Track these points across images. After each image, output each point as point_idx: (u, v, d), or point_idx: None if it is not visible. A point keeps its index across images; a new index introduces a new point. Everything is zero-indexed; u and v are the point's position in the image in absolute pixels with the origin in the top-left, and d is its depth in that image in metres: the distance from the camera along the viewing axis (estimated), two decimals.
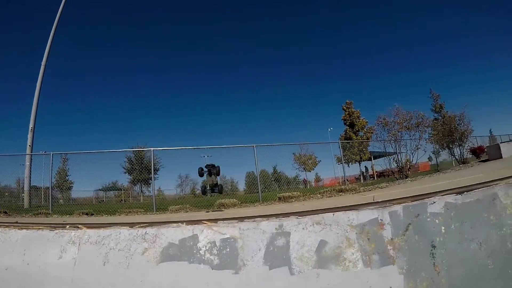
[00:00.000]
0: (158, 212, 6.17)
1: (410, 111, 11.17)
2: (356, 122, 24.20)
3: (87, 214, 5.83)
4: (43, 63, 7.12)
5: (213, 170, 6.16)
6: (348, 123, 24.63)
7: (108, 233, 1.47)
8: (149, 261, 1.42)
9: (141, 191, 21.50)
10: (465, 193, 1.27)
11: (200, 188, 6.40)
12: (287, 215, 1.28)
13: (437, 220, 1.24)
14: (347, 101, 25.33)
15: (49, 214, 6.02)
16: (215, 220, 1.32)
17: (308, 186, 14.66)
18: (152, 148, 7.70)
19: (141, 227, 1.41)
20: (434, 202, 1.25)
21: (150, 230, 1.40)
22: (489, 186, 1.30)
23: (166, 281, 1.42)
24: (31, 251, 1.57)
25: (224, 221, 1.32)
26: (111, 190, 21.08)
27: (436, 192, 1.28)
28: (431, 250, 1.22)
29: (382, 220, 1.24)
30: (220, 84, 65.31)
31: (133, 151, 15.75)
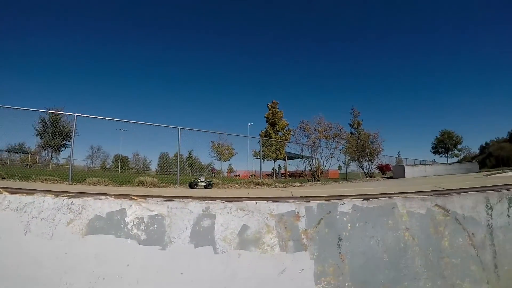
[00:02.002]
0: (75, 183, 6.20)
1: (331, 122, 12.95)
2: (278, 122, 26.56)
3: None
4: None
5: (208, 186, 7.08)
6: (270, 122, 26.85)
7: (30, 200, 1.51)
8: (74, 232, 1.50)
9: (51, 157, 20.62)
10: (370, 199, 1.59)
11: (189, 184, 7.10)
12: (213, 198, 1.48)
13: (345, 218, 1.55)
14: (273, 101, 27.47)
15: None
16: (144, 197, 1.46)
17: (221, 176, 15.83)
18: (76, 114, 7.48)
19: (67, 196, 1.48)
20: (344, 203, 1.56)
21: (77, 201, 1.48)
22: (391, 196, 1.64)
23: (92, 253, 1.52)
24: None
25: (153, 198, 1.47)
26: (17, 152, 19.74)
27: (346, 195, 1.60)
28: (338, 242, 1.54)
29: (298, 212, 1.51)
30: (148, 61, 66.42)
31: (50, 113, 14.80)
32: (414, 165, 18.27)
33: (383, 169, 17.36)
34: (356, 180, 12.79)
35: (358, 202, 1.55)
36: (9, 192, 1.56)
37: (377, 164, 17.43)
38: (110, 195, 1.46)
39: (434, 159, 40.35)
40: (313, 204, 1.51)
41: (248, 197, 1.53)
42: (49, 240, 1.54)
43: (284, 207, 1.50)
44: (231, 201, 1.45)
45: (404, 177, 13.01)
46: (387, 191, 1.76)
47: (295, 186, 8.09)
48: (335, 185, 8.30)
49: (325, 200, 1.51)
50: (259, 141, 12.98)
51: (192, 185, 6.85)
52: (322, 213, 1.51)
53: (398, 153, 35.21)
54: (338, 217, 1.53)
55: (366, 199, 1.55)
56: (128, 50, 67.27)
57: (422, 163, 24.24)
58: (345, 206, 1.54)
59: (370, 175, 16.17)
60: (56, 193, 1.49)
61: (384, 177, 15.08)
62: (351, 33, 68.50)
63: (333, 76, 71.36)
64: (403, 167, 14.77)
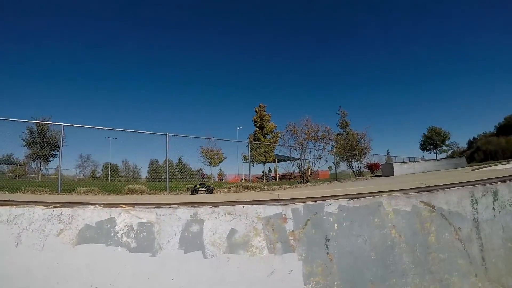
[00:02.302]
0: (64, 193, 6.26)
1: (318, 123, 13.06)
2: (266, 125, 26.93)
3: None
4: None
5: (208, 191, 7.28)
6: (258, 125, 27.20)
7: (21, 212, 1.53)
8: (65, 243, 1.53)
9: (40, 168, 20.74)
10: (356, 199, 1.63)
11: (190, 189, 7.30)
12: (201, 204, 1.52)
13: (331, 218, 1.58)
14: (261, 104, 27.93)
15: None
16: (133, 204, 1.49)
17: (212, 181, 16.04)
18: (63, 124, 7.43)
19: (57, 207, 1.50)
20: (330, 204, 1.59)
21: (66, 211, 1.50)
22: (376, 195, 1.68)
23: (83, 263, 1.54)
24: None
25: (142, 206, 1.50)
26: (5, 164, 19.87)
27: (332, 196, 1.64)
28: (326, 242, 1.58)
29: (285, 214, 1.55)
30: (132, 68, 66.89)
31: (36, 123, 14.93)
32: (403, 162, 18.70)
33: (372, 167, 17.69)
34: (345, 180, 12.94)
35: (344, 202, 1.59)
36: None
37: (366, 163, 17.76)
38: (99, 204, 1.49)
39: (423, 156, 41.36)
40: (300, 205, 1.55)
41: (235, 201, 1.57)
42: (40, 251, 1.56)
43: (271, 209, 1.54)
44: (218, 205, 1.49)
45: (393, 175, 13.26)
46: (374, 190, 1.81)
47: (284, 188, 8.19)
48: (324, 186, 8.44)
49: (311, 201, 1.55)
50: (248, 145, 13.18)
51: (193, 191, 6.97)
52: (309, 214, 1.55)
53: (387, 151, 36.05)
54: (324, 217, 1.57)
55: (352, 198, 1.60)
56: (113, 56, 67.29)
57: (411, 160, 24.77)
58: (331, 207, 1.58)
59: (359, 175, 16.39)
60: (46, 204, 1.51)
61: (374, 176, 15.39)
62: (335, 33, 69.38)
63: (320, 77, 72.56)
64: (391, 165, 15.10)
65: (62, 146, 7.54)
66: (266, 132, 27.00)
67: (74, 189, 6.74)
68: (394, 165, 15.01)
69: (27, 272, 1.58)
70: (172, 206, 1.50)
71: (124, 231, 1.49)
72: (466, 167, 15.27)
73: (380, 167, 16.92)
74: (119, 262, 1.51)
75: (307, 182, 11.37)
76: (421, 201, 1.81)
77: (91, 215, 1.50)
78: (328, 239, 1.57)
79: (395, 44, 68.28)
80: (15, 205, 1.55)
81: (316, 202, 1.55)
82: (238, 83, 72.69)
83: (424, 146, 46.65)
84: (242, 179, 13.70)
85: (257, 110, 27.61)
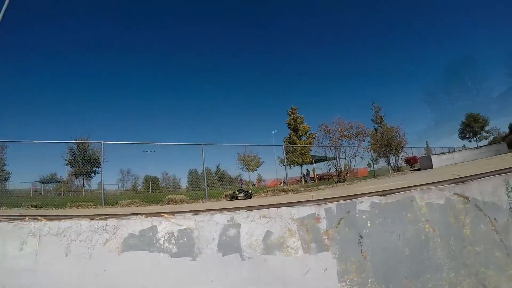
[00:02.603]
0: (108, 206, 6.65)
1: (350, 121, 13.10)
2: (300, 127, 26.96)
3: (35, 207, 5.90)
4: None
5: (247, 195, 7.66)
6: (292, 128, 27.23)
7: (68, 225, 1.67)
8: (111, 251, 1.65)
9: (83, 185, 21.91)
10: (388, 195, 1.64)
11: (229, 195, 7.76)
12: (237, 209, 1.59)
13: (364, 216, 1.61)
14: (293, 107, 27.96)
15: None
16: (172, 213, 1.58)
17: (251, 186, 16.37)
18: (102, 142, 7.93)
19: (102, 219, 1.62)
20: (362, 202, 1.61)
21: (111, 222, 1.62)
22: (408, 190, 1.68)
23: (128, 269, 1.66)
24: None
25: (181, 214, 1.59)
26: (50, 182, 21.16)
27: (364, 193, 1.65)
28: (359, 239, 1.61)
29: (318, 215, 1.59)
30: (165, 80, 67.01)
31: (77, 143, 15.87)
32: (442, 153, 18.03)
33: (411, 161, 17.39)
34: (383, 176, 12.75)
35: (376, 199, 1.61)
36: (48, 219, 1.73)
37: (403, 157, 17.48)
38: (141, 214, 1.59)
39: (464, 145, 39.61)
40: (332, 205, 1.59)
41: (270, 204, 1.63)
42: (89, 260, 1.69)
43: (305, 210, 1.59)
44: (253, 209, 1.56)
45: (432, 167, 12.90)
46: (405, 185, 1.81)
47: (320, 189, 8.34)
48: (360, 184, 8.45)
49: (344, 200, 1.58)
50: (282, 148, 13.37)
51: (232, 197, 7.24)
52: (342, 213, 1.59)
53: (426, 143, 34.81)
54: (357, 215, 1.60)
55: (384, 195, 1.61)
56: (135, 66, 67.91)
57: (451, 150, 23.99)
58: (364, 204, 1.61)
59: (397, 170, 16.18)
60: (92, 217, 1.64)
61: (412, 170, 15.04)
62: (361, 26, 66.27)
63: (350, 73, 69.67)
64: (429, 157, 14.58)
65: (102, 162, 8.03)
66: (300, 134, 26.96)
67: (117, 202, 7.20)
68: (433, 157, 14.54)
69: (77, 278, 1.72)
70: (210, 212, 1.58)
71: (166, 238, 1.59)
72: (507, 153, 14.55)
73: (419, 160, 16.53)
74: (162, 266, 1.61)
75: (344, 181, 11.40)
76: (455, 193, 1.79)
77: (134, 225, 1.61)
78: (361, 237, 1.60)
79: (425, 31, 64.47)
80: (63, 219, 1.69)
81: (348, 201, 1.58)
82: (266, 86, 71.46)
83: (463, 134, 44.42)
84: (280, 183, 13.87)
85: (290, 113, 27.64)
